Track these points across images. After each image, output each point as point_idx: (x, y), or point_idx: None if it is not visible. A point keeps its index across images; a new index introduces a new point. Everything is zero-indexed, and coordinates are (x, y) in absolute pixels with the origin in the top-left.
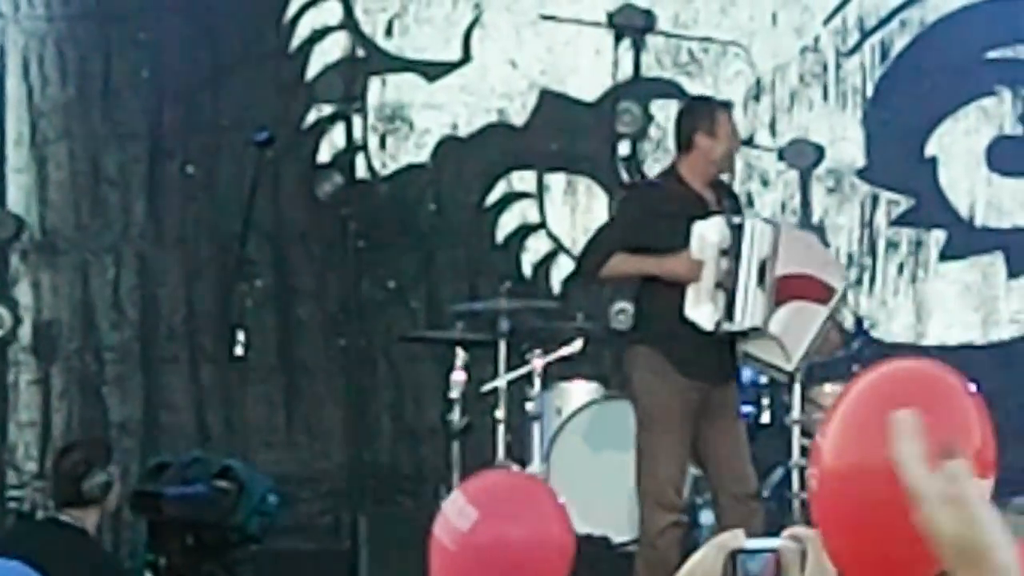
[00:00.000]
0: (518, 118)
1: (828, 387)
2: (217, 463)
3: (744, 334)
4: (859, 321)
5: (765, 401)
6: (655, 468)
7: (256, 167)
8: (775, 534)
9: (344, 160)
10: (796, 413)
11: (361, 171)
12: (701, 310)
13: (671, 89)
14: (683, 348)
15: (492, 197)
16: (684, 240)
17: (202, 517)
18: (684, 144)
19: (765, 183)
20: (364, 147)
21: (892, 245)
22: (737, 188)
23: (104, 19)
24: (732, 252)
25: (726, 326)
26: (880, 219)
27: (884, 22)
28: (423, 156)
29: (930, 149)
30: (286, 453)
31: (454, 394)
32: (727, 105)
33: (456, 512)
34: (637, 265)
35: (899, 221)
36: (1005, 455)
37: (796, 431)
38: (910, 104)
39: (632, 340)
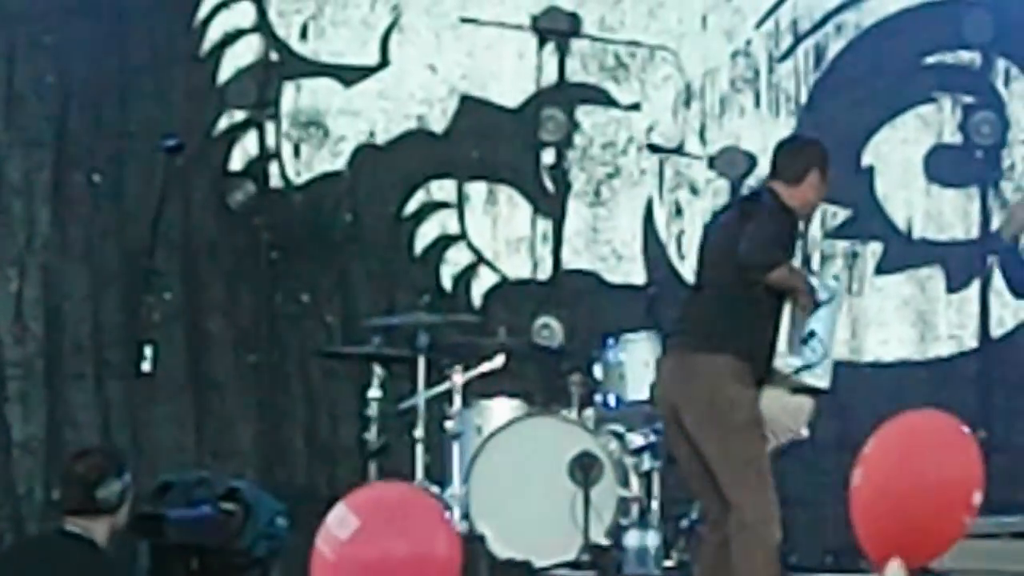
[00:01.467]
0: (438, 125)
1: None
2: (223, 484)
3: (797, 391)
4: None
5: None
6: (766, 480)
7: (165, 175)
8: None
9: (257, 168)
10: None
11: (274, 179)
12: (784, 350)
13: (597, 95)
14: (756, 370)
15: (410, 207)
16: None
17: (207, 541)
18: (794, 177)
19: (695, 192)
20: (278, 155)
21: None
22: (665, 197)
23: (7, 21)
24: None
25: (806, 376)
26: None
27: (818, 26)
28: (339, 164)
29: (866, 158)
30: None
31: (371, 412)
32: None
33: (337, 522)
34: (796, 281)
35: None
36: None
37: None
38: (845, 111)
39: (716, 348)
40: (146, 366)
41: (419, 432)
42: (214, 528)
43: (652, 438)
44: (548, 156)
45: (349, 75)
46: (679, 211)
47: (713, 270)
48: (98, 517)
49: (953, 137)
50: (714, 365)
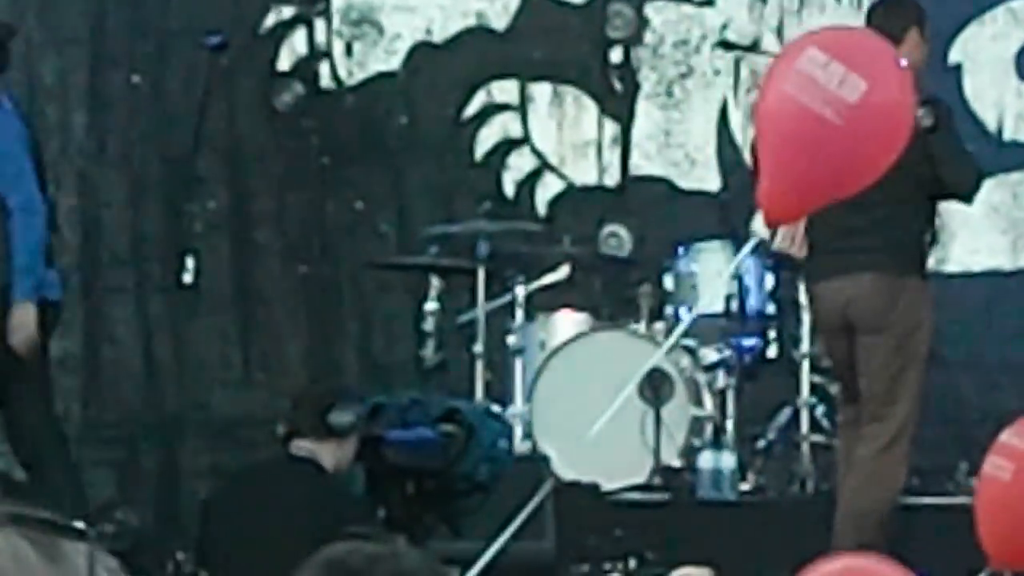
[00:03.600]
0: (499, 21)
1: None
2: (441, 404)
3: None
4: None
5: (772, 333)
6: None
7: (208, 76)
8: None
9: (306, 68)
10: (806, 346)
11: (325, 80)
12: None
13: None
14: None
15: (470, 109)
16: None
17: (426, 464)
18: (894, 37)
19: None
20: (328, 54)
21: None
22: (740, 98)
23: None
24: None
25: None
26: None
27: None
28: (394, 64)
29: (954, 56)
30: (242, 392)
31: (427, 326)
32: None
33: (837, 80)
34: None
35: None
36: None
37: (805, 366)
38: (931, 6)
39: (918, 273)
40: (188, 278)
41: (479, 348)
42: (433, 451)
43: (726, 353)
44: (616, 55)
45: None
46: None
47: (896, 185)
48: (326, 441)
49: None
50: (918, 292)
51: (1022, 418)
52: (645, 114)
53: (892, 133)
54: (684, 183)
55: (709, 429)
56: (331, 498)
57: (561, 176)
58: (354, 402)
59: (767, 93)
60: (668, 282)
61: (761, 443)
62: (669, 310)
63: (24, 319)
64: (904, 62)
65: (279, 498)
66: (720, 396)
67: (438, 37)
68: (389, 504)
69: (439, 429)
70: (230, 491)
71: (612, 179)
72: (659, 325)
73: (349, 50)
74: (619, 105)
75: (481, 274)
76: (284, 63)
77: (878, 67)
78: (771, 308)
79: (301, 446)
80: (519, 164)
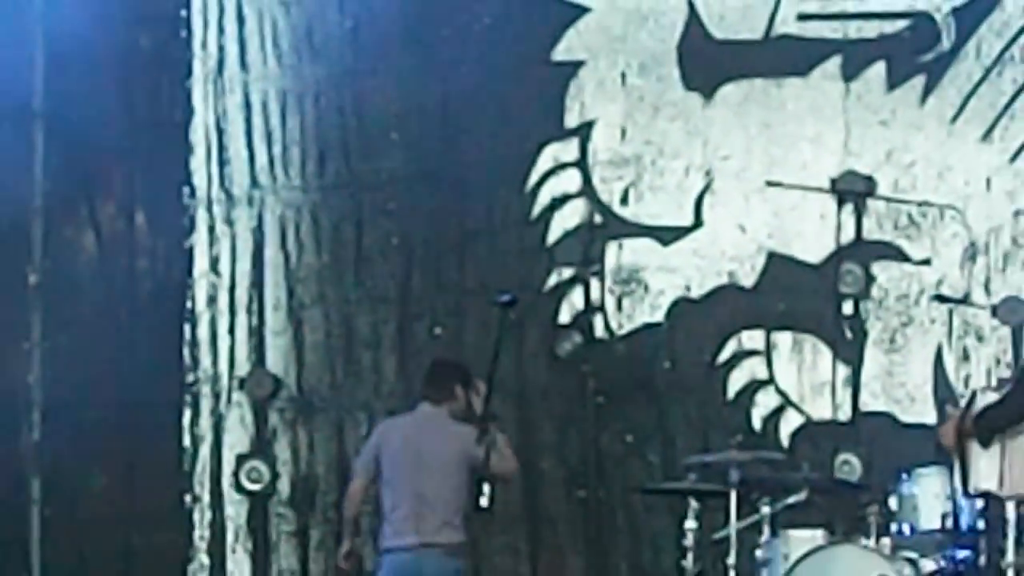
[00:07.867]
0: (747, 279)
1: None
2: None
3: None
4: None
5: (982, 546)
6: None
7: (500, 328)
8: None
9: (583, 320)
10: (1011, 556)
11: (599, 331)
12: None
13: (891, 251)
14: None
15: (723, 355)
16: None
17: None
18: None
19: (980, 339)
20: (602, 308)
21: None
22: (954, 344)
23: (356, 189)
24: None
25: None
26: None
27: None
28: (658, 316)
29: None
30: None
31: (687, 542)
32: None
33: None
34: None
35: None
36: None
37: (1011, 575)
38: None
39: None
40: (484, 502)
41: (731, 560)
42: None
43: (943, 563)
44: (847, 307)
45: (666, 235)
46: (967, 356)
47: None
48: None
49: None
50: None
51: None
52: (872, 358)
53: None
54: (906, 417)
55: None
56: None
57: (801, 412)
58: None
59: None
60: (893, 503)
61: None
62: (894, 527)
63: None
64: None
65: None
66: None
67: (695, 293)
68: None
69: None
70: None
71: (844, 414)
72: (885, 540)
73: (620, 305)
74: (850, 350)
75: (733, 497)
76: (564, 316)
77: None
78: (981, 524)
79: None
80: (765, 402)
